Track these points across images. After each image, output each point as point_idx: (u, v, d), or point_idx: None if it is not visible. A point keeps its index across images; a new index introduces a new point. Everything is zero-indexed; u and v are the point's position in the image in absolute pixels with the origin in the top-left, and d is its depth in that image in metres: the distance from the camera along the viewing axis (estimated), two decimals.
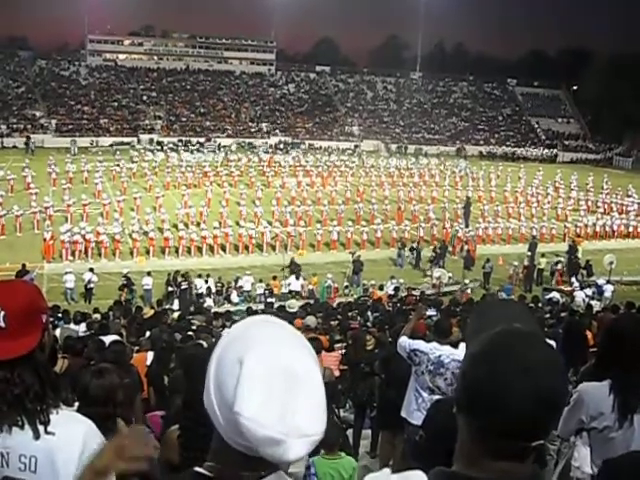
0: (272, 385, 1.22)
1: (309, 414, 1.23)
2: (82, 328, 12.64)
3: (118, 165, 40.07)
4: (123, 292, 21.78)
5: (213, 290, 23.13)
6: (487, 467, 1.28)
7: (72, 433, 1.88)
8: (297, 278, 24.17)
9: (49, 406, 1.89)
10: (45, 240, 25.62)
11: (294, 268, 24.89)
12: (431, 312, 13.42)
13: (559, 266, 26.84)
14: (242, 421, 1.21)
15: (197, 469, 1.36)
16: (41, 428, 1.85)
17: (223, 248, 27.88)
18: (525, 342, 1.31)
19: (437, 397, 5.36)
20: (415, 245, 28.62)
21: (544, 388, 1.24)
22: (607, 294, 22.77)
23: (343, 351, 10.21)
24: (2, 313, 1.85)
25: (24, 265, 22.08)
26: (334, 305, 19.74)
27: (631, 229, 34.59)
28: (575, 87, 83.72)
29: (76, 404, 3.09)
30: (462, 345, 6.82)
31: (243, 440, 1.24)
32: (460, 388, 1.35)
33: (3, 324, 1.85)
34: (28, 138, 51.16)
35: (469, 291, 23.97)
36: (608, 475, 1.80)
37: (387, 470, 1.38)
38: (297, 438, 1.21)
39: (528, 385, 1.24)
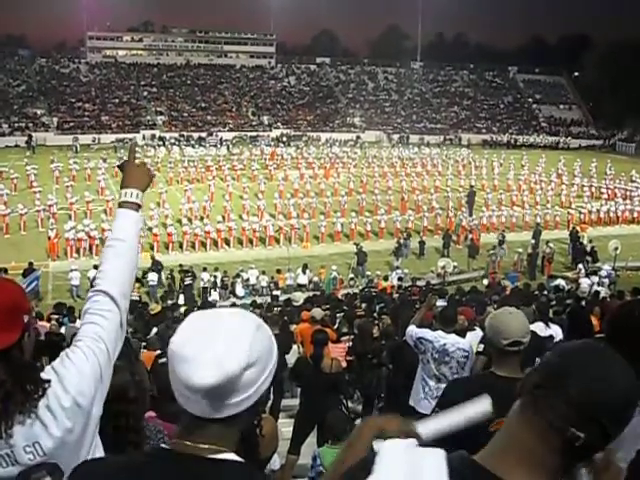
0: (201, 327, 1.38)
1: (226, 346, 1.34)
2: (78, 324, 12.37)
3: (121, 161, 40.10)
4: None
5: (218, 284, 23.13)
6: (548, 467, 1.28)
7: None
8: (304, 272, 24.10)
9: (17, 406, 1.76)
10: (50, 238, 25.66)
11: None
12: (441, 302, 13.35)
13: (547, 250, 26.79)
14: (170, 347, 1.37)
15: (163, 445, 1.46)
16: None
17: (227, 242, 27.91)
18: (604, 359, 1.31)
19: (444, 385, 5.38)
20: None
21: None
22: (602, 273, 22.74)
23: (350, 344, 10.22)
24: None
25: (31, 263, 22.14)
26: (339, 296, 19.78)
27: (635, 214, 34.43)
28: (576, 73, 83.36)
29: None
30: (469, 334, 6.84)
31: (170, 367, 1.37)
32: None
33: None
34: (30, 137, 51.21)
35: None
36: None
37: (407, 441, 1.34)
38: (208, 362, 1.32)
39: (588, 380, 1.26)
